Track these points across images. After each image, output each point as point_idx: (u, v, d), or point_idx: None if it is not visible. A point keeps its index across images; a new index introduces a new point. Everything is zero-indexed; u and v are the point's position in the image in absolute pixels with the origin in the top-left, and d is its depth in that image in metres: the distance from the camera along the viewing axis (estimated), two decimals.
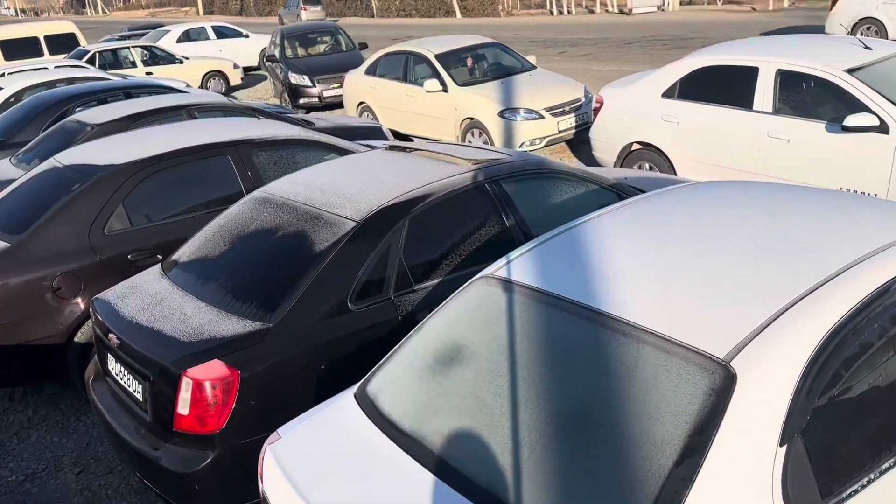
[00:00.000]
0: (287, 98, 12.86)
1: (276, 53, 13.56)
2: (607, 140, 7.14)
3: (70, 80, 9.79)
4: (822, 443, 1.86)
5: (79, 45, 16.79)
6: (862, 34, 12.15)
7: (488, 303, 2.43)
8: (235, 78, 16.85)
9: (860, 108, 5.35)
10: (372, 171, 3.87)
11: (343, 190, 3.66)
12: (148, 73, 15.10)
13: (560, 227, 2.75)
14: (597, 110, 7.28)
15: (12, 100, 9.37)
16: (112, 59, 15.14)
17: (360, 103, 10.72)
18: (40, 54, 16.43)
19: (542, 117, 8.47)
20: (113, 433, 3.31)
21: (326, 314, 3.15)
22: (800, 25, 16.78)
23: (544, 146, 8.62)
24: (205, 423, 2.91)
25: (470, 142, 9.00)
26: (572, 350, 2.10)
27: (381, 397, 2.36)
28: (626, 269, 2.30)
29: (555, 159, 8.19)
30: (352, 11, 37.60)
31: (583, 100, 8.86)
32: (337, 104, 12.36)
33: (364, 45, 14.31)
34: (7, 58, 15.89)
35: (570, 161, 8.79)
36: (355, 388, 2.54)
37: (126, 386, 3.30)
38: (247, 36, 19.77)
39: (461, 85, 9.17)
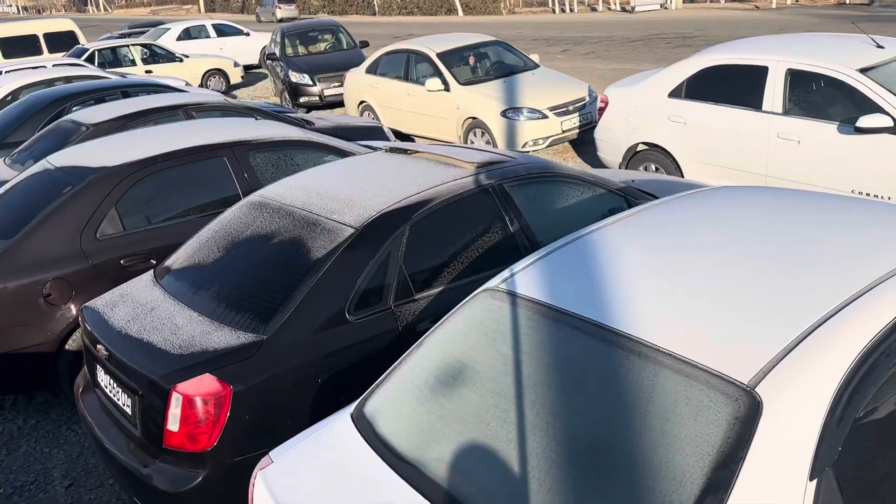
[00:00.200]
0: (287, 97, 12.72)
1: (277, 51, 13.42)
2: (612, 140, 7.00)
3: (68, 79, 9.66)
4: (855, 477, 1.72)
5: (78, 43, 16.67)
6: None
7: (492, 318, 2.29)
8: (236, 76, 16.74)
9: (873, 108, 5.21)
10: (371, 175, 3.74)
11: (341, 195, 3.52)
12: (147, 72, 14.98)
13: (569, 236, 2.60)
14: (602, 110, 7.13)
15: (9, 98, 9.25)
16: (111, 58, 15.00)
17: (361, 102, 10.59)
18: (39, 52, 16.33)
19: (545, 117, 8.32)
20: (101, 447, 3.17)
21: (323, 325, 3.01)
22: (814, 24, 16.63)
23: (548, 146, 8.47)
24: (195, 441, 2.78)
25: (472, 142, 8.86)
26: (583, 372, 1.96)
27: (380, 419, 2.22)
28: (640, 282, 2.16)
29: (558, 160, 8.07)
30: (353, 9, 37.50)
31: (587, 99, 8.71)
32: (338, 103, 12.23)
33: (365, 44, 14.18)
34: (6, 56, 15.79)
35: (573, 162, 8.65)
36: (352, 407, 2.40)
37: (115, 399, 3.17)
38: (247, 34, 19.66)
39: (463, 84, 9.03)
